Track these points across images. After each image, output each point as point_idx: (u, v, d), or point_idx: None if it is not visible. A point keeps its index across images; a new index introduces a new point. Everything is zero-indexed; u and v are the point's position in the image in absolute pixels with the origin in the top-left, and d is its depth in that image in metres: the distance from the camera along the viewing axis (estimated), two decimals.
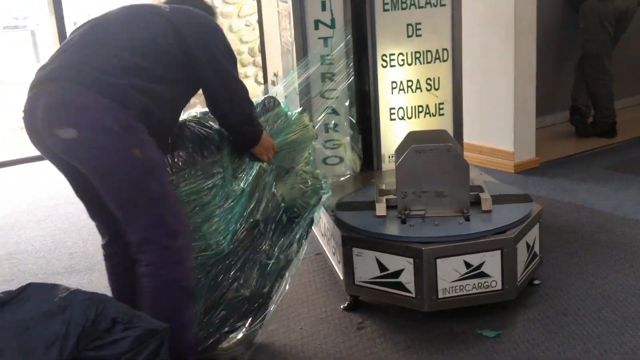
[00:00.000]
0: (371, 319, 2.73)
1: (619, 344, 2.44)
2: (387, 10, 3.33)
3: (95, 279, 3.26)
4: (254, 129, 2.39)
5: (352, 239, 2.71)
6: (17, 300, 1.77)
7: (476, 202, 2.79)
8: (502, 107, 4.40)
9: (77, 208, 2.89)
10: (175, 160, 2.32)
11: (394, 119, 3.48)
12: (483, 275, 2.58)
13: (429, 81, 3.45)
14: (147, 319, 1.85)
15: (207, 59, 2.20)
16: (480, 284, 2.59)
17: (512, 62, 4.30)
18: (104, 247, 2.35)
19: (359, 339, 2.60)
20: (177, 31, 2.17)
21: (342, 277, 2.81)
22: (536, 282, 2.88)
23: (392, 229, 2.68)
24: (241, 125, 2.36)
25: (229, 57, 2.29)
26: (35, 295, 1.78)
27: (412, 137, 2.91)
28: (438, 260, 2.54)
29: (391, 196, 2.86)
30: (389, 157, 3.49)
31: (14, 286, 1.86)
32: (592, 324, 2.58)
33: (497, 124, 4.45)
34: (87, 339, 1.73)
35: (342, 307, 2.83)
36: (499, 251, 2.58)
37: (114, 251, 2.31)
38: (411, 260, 2.56)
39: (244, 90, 2.33)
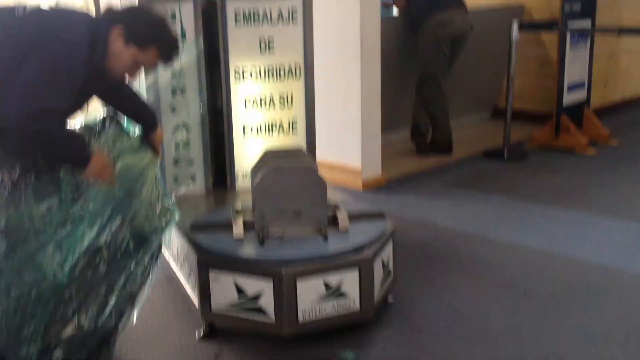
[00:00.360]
0: (229, 347, 2.61)
1: (470, 358, 2.52)
2: (240, 24, 3.25)
3: None
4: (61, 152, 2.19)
5: (208, 262, 2.58)
6: None
7: (333, 221, 2.77)
8: (350, 125, 4.47)
9: None
10: (1, 181, 2.09)
11: (248, 136, 3.39)
12: (342, 295, 2.56)
13: (281, 97, 3.41)
14: None
15: None
16: (339, 305, 2.57)
17: (359, 82, 4.39)
18: None
19: None
20: None
21: (197, 304, 2.66)
22: (390, 300, 2.92)
23: (250, 250, 2.59)
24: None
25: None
26: None
27: (269, 155, 2.84)
28: (298, 281, 2.49)
29: (248, 216, 2.77)
30: (243, 175, 3.40)
31: None
32: (444, 339, 2.65)
33: (346, 142, 4.51)
34: None
35: (197, 336, 2.68)
36: (357, 270, 2.57)
37: None
38: (270, 282, 2.48)
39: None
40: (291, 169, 2.67)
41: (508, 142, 5.30)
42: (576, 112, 5.60)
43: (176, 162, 3.32)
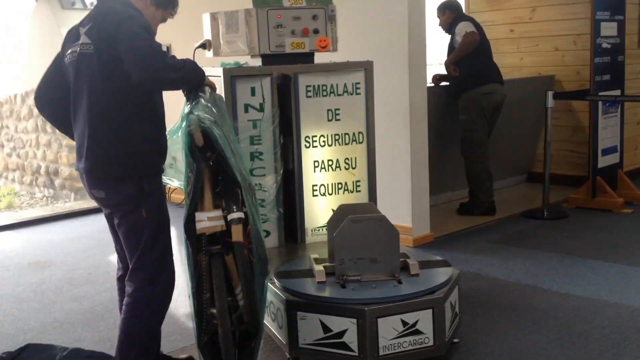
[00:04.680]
0: None
1: None
2: (310, 96, 3.66)
3: None
4: (179, 74, 2.56)
5: (296, 304, 2.90)
6: None
7: (403, 267, 3.09)
8: (401, 186, 4.82)
9: None
10: None
11: (316, 195, 3.75)
12: (417, 332, 2.85)
13: (347, 160, 3.78)
14: None
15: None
16: (415, 341, 2.85)
17: (409, 147, 4.77)
18: (119, 278, 2.92)
19: None
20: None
21: (284, 341, 2.96)
22: (456, 340, 3.18)
23: (335, 292, 2.90)
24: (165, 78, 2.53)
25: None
26: (35, 355, 1.82)
27: (344, 210, 3.19)
28: (379, 320, 2.78)
29: (327, 264, 3.10)
30: (312, 230, 3.74)
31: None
32: None
33: (397, 202, 4.84)
34: None
35: None
36: (431, 310, 2.86)
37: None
38: (354, 320, 2.78)
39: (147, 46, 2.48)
40: (367, 219, 3.01)
41: (547, 202, 5.60)
42: (610, 174, 5.91)
43: None
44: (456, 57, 5.46)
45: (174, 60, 2.56)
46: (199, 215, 2.54)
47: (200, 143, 2.56)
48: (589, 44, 5.83)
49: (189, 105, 2.71)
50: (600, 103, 5.72)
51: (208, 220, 2.51)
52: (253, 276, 2.56)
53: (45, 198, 8.63)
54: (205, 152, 2.58)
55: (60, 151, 8.23)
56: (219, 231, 2.57)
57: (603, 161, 5.86)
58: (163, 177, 2.82)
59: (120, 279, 2.91)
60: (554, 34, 6.56)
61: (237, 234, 2.55)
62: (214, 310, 2.57)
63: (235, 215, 2.54)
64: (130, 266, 2.71)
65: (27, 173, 9.04)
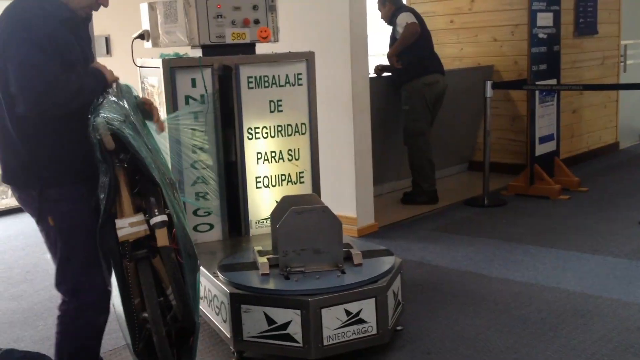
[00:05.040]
0: None
1: None
2: (252, 88, 3.64)
3: None
4: (81, 98, 2.39)
5: (240, 297, 2.88)
6: None
7: (347, 258, 3.11)
8: (345, 177, 4.85)
9: None
10: None
11: (260, 187, 3.74)
12: (361, 321, 2.88)
13: (290, 152, 3.77)
14: None
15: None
16: (359, 330, 2.88)
17: (352, 137, 4.79)
18: None
19: None
20: None
21: (229, 335, 2.95)
22: (399, 328, 3.23)
23: (279, 284, 2.91)
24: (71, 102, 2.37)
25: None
26: None
27: (288, 201, 3.18)
28: (323, 310, 2.80)
29: (270, 256, 3.09)
30: (256, 222, 3.73)
31: None
32: (453, 359, 2.96)
33: (341, 193, 4.87)
34: None
35: None
36: (374, 299, 2.90)
37: None
38: (298, 311, 2.79)
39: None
40: (310, 210, 3.02)
41: (487, 190, 5.72)
42: (547, 162, 6.07)
43: (195, 212, 3.63)
44: (398, 48, 5.51)
45: (69, 86, 2.34)
46: (119, 222, 2.40)
47: (111, 147, 2.37)
48: (526, 34, 5.96)
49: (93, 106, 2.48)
50: (537, 92, 5.86)
51: (130, 226, 2.38)
52: (184, 277, 2.48)
53: None
54: (118, 154, 2.41)
55: None
56: (142, 236, 2.44)
57: (540, 149, 6.01)
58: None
59: None
60: (493, 25, 6.69)
61: (162, 239, 2.42)
62: (146, 315, 2.48)
63: (158, 219, 2.42)
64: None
65: None
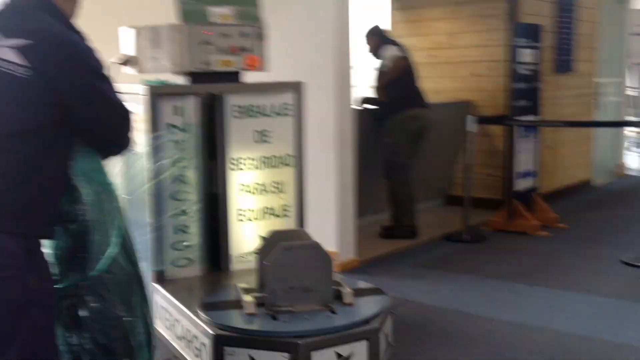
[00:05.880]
0: None
1: None
2: (237, 117, 3.51)
3: None
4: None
5: (223, 338, 2.71)
6: None
7: (336, 296, 2.97)
8: (326, 211, 4.73)
9: None
10: None
11: (242, 220, 3.59)
12: None
13: (275, 184, 3.64)
14: None
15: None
16: None
17: (334, 170, 4.69)
18: None
19: None
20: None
21: None
22: None
23: (266, 325, 2.74)
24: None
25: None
26: None
27: (275, 236, 3.04)
28: (313, 353, 2.64)
29: (256, 294, 2.93)
30: (237, 257, 3.57)
31: None
32: None
33: (323, 226, 4.73)
34: None
35: None
36: (366, 341, 2.75)
37: None
38: (287, 354, 2.63)
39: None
40: (300, 246, 2.88)
41: (467, 226, 5.65)
42: (526, 198, 6.05)
43: (174, 245, 3.47)
44: (388, 82, 5.46)
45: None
46: None
47: None
48: (505, 70, 5.97)
49: None
50: (517, 128, 5.85)
51: None
52: None
53: None
54: None
55: None
56: None
57: (519, 184, 5.98)
58: None
59: None
60: (472, 60, 6.70)
61: None
62: None
63: None
64: None
65: None
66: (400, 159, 5.46)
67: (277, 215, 3.66)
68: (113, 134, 2.13)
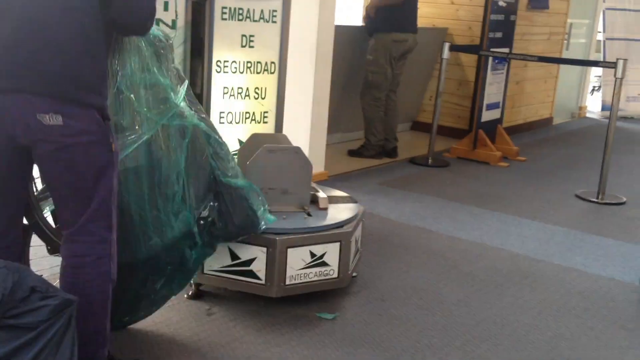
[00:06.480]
0: (218, 306, 2.89)
1: (432, 323, 2.92)
2: (225, 19, 3.53)
3: None
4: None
5: None
6: None
7: (312, 201, 3.11)
8: (300, 122, 4.81)
9: None
10: None
11: (223, 122, 3.66)
12: (324, 264, 2.90)
13: (257, 90, 3.71)
14: (60, 289, 1.83)
15: None
16: (320, 272, 2.91)
17: (312, 83, 4.75)
18: None
19: (211, 324, 2.74)
20: None
21: None
22: (354, 274, 3.28)
23: None
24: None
25: None
26: None
27: (258, 139, 3.14)
28: (289, 249, 2.80)
29: None
30: None
31: None
32: (407, 308, 3.05)
33: (295, 137, 4.79)
34: (4, 307, 1.67)
35: (186, 295, 2.93)
36: (339, 243, 2.92)
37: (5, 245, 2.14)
38: (264, 249, 2.78)
39: None
40: (282, 150, 2.99)
41: (432, 151, 5.83)
42: (491, 129, 6.23)
43: None
44: (382, 2, 5.48)
45: None
46: None
47: None
48: (483, 0, 6.04)
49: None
50: (490, 59, 5.97)
51: None
52: None
53: None
54: None
55: None
56: None
57: (486, 115, 6.15)
58: None
59: None
60: None
61: None
62: None
63: None
64: (71, 220, 2.06)
65: None
66: (376, 78, 5.54)
67: (257, 121, 3.74)
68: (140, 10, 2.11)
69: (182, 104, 2.52)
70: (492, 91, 6.17)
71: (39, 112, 1.91)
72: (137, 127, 2.38)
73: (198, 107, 2.70)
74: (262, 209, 2.71)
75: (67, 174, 2.00)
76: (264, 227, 2.73)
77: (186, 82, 2.60)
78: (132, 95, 2.38)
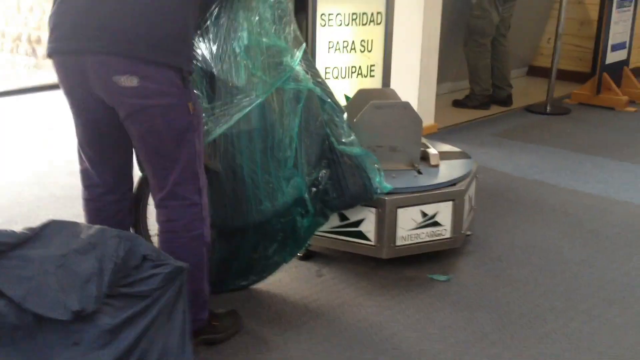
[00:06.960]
0: (327, 267, 2.86)
1: (554, 285, 2.76)
2: None
3: None
4: None
5: None
6: (40, 237, 1.69)
7: (423, 157, 2.99)
8: (409, 75, 4.65)
9: None
10: None
11: (329, 78, 3.57)
12: (436, 224, 2.79)
13: (362, 43, 3.58)
14: (171, 257, 1.84)
15: None
16: (432, 232, 2.80)
17: (420, 32, 4.55)
18: (97, 198, 2.24)
19: (321, 286, 2.72)
20: None
21: None
22: (469, 233, 3.15)
23: None
24: None
25: None
26: (59, 232, 1.71)
27: (364, 95, 3.04)
28: (399, 210, 2.71)
29: None
30: None
31: None
32: (526, 269, 2.89)
33: (403, 90, 4.66)
34: (118, 275, 1.70)
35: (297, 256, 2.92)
36: (451, 202, 2.80)
37: (107, 203, 2.21)
38: (374, 209, 2.71)
39: None
40: (390, 105, 2.87)
41: (551, 97, 5.49)
42: (616, 71, 5.78)
43: None
44: None
45: None
46: None
47: None
48: None
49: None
50: None
51: None
52: None
53: (27, 67, 8.28)
54: None
55: (43, 17, 7.80)
56: None
57: (611, 57, 5.71)
58: None
59: (97, 199, 2.26)
60: None
61: None
62: None
63: None
64: (159, 184, 2.06)
65: (8, 40, 8.62)
66: (479, 23, 5.24)
67: (363, 75, 3.63)
68: None
69: (298, 67, 2.45)
70: (618, 30, 5.70)
71: (115, 74, 1.87)
72: (251, 90, 2.35)
73: (314, 70, 2.62)
74: (378, 177, 2.62)
75: (148, 136, 1.97)
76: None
77: (303, 45, 2.53)
78: (247, 57, 2.34)
